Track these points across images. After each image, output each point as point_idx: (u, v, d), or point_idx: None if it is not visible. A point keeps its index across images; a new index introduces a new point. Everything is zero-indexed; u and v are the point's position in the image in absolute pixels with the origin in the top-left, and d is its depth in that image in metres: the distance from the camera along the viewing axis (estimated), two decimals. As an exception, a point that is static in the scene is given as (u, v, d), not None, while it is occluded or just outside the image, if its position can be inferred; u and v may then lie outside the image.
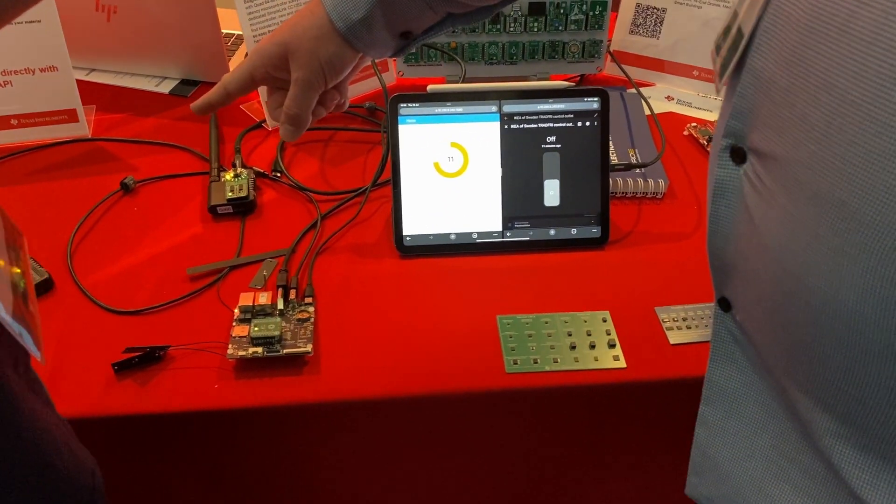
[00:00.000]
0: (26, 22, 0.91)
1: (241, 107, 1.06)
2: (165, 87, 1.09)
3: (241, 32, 0.96)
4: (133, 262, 0.84)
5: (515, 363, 0.74)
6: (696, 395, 0.69)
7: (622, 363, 0.74)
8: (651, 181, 0.92)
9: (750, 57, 0.46)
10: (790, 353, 0.47)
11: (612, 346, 0.76)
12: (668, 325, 0.78)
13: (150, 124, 1.04)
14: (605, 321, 0.78)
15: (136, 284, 0.81)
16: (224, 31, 1.13)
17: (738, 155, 0.49)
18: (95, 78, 1.11)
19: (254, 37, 0.96)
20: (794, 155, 0.43)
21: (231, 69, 1.10)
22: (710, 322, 0.78)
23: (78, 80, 1.08)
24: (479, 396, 0.72)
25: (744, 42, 0.46)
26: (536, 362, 0.74)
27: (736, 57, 0.47)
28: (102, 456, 0.67)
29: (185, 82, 1.11)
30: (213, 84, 1.11)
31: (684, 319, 0.78)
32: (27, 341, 0.45)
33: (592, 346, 0.75)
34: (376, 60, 0.99)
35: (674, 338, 0.77)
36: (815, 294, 0.42)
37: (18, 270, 0.46)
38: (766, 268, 0.46)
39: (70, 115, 0.97)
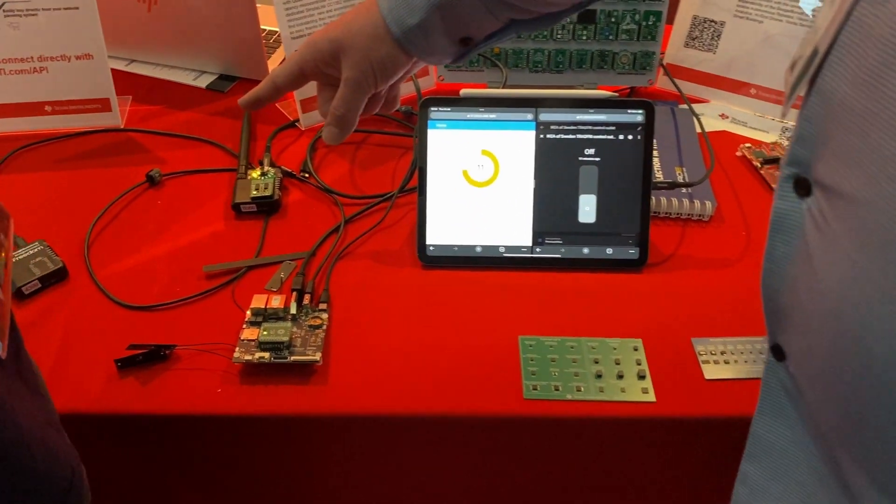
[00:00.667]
0: (64, 8, 0.90)
1: (276, 105, 1.04)
2: (203, 82, 1.08)
3: (279, 30, 0.94)
4: (150, 256, 0.82)
5: (535, 388, 0.69)
6: (731, 437, 0.63)
7: (651, 396, 0.69)
8: (697, 202, 0.86)
9: (821, 76, 0.40)
10: (844, 418, 0.41)
11: (641, 377, 0.70)
12: (704, 357, 0.72)
13: (183, 118, 1.02)
14: (636, 350, 0.73)
15: (151, 279, 0.79)
16: (265, 27, 1.12)
17: (801, 187, 0.43)
18: (134, 69, 1.10)
19: (291, 35, 0.94)
20: (864, 193, 0.37)
21: (270, 67, 1.09)
22: (751, 358, 0.72)
23: (116, 71, 1.08)
24: (492, 421, 0.68)
25: (818, 59, 0.40)
26: (557, 389, 0.69)
27: (808, 76, 0.41)
28: (98, 453, 0.65)
29: (223, 77, 1.09)
30: (251, 81, 1.11)
31: (722, 353, 0.72)
32: None
33: (620, 377, 0.70)
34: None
35: (709, 372, 0.71)
36: (876, 358, 0.37)
37: (0, 258, 0.43)
38: (823, 319, 0.41)
39: (103, 105, 0.96)
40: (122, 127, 0.98)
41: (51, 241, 0.81)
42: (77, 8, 0.91)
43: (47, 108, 0.95)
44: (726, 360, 0.72)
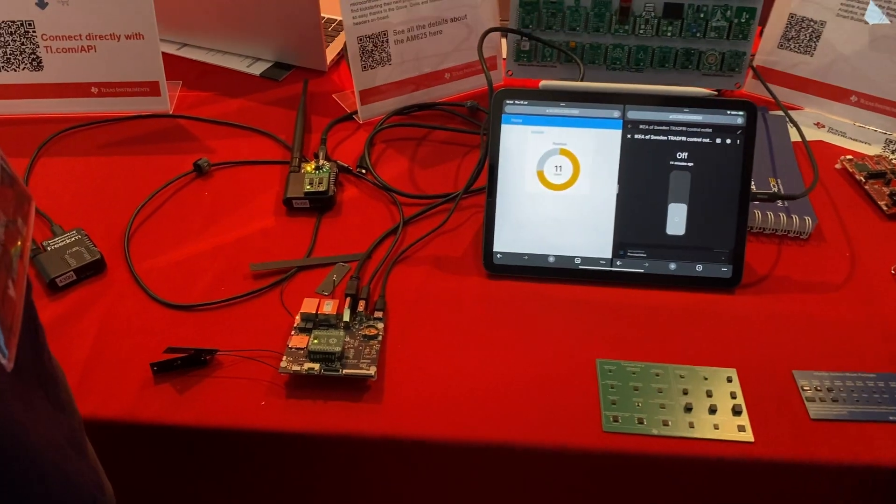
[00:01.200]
0: (116, -16, 0.85)
1: (333, 96, 0.98)
2: (257, 69, 1.02)
3: (340, 18, 0.87)
4: (194, 250, 0.76)
5: (615, 420, 0.61)
6: (841, 487, 0.55)
7: (749, 436, 0.60)
8: (796, 218, 0.77)
9: None
10: None
11: (737, 412, 0.62)
12: (808, 394, 0.63)
13: (235, 105, 0.96)
14: (730, 381, 0.64)
15: (194, 276, 0.73)
16: (323, 15, 1.05)
17: None
18: (186, 53, 1.05)
19: (354, 24, 0.87)
20: None
21: (328, 57, 1.02)
22: (863, 397, 0.63)
23: (168, 55, 1.03)
24: (566, 455, 0.60)
25: None
26: (641, 422, 0.61)
27: None
28: (126, 465, 0.59)
29: (278, 65, 1.03)
30: (307, 70, 1.05)
31: (829, 390, 0.63)
32: None
33: (713, 411, 0.61)
34: (486, 56, 0.88)
35: (815, 411, 0.62)
36: None
37: (16, 247, 0.36)
38: None
39: (152, 88, 0.91)
40: (170, 113, 0.93)
41: (89, 229, 0.75)
42: (129, -16, 0.85)
43: (94, 89, 0.90)
44: (834, 398, 0.63)
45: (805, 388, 0.64)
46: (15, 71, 0.88)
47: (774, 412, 0.62)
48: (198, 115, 0.93)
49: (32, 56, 0.88)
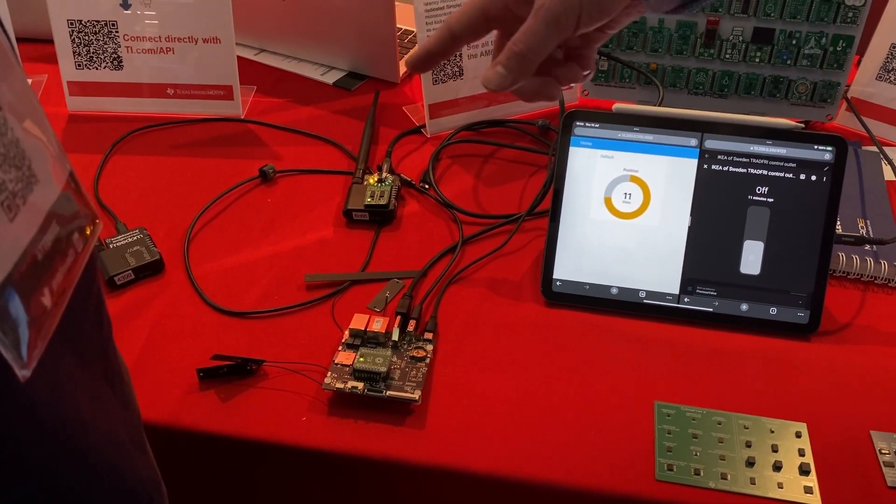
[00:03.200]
0: (197, -12, 0.86)
1: (403, 108, 0.96)
2: (330, 78, 1.02)
3: (415, 30, 0.86)
4: (251, 257, 0.75)
5: (670, 469, 0.57)
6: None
7: (816, 499, 0.55)
8: (885, 264, 0.71)
9: None
10: None
11: (804, 471, 0.57)
12: (886, 458, 0.58)
13: (306, 113, 0.96)
14: (799, 436, 0.59)
15: (249, 282, 0.72)
16: (400, 26, 1.05)
17: None
18: (263, 59, 1.06)
19: (428, 35, 0.86)
20: None
21: (401, 69, 1.01)
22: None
23: (244, 59, 1.04)
24: (614, 502, 0.56)
25: None
26: (698, 474, 0.56)
27: None
28: (163, 468, 0.58)
29: (351, 75, 1.03)
30: (379, 81, 1.04)
31: (912, 455, 0.58)
32: (7, 339, 0.33)
33: (778, 468, 0.57)
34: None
35: (893, 478, 0.57)
36: None
37: (66, 263, 0.36)
38: None
39: (226, 92, 0.92)
40: (242, 117, 0.93)
41: (153, 229, 0.76)
42: (210, -12, 0.86)
43: (169, 90, 0.92)
44: (916, 466, 0.57)
45: (883, 452, 0.58)
46: (97, 69, 0.91)
47: (846, 475, 0.57)
48: (269, 120, 0.94)
49: (114, 55, 0.90)
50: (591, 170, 0.69)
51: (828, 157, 0.66)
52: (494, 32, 0.55)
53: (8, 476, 0.34)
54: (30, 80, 0.96)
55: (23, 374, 0.30)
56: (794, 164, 0.66)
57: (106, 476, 0.40)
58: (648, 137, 0.68)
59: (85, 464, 0.39)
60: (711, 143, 0.67)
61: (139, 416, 0.50)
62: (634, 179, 0.69)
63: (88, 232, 0.38)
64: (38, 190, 0.33)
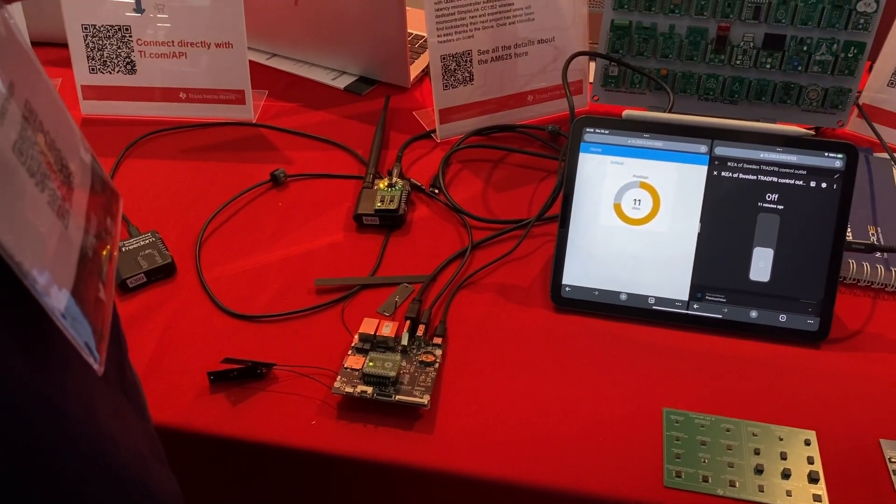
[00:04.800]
0: (210, -7, 0.87)
1: (413, 113, 0.97)
2: (342, 83, 1.02)
3: (426, 35, 0.87)
4: (262, 261, 0.76)
5: (678, 476, 0.57)
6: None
7: (825, 507, 0.55)
8: (895, 271, 0.71)
9: None
10: None
11: (813, 479, 0.57)
12: (896, 466, 0.58)
13: (317, 118, 0.97)
14: (808, 444, 0.59)
15: (260, 286, 0.73)
16: (411, 31, 1.05)
17: None
18: (275, 63, 1.06)
19: (438, 42, 0.86)
20: None
21: (412, 74, 1.02)
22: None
23: (257, 64, 1.05)
24: (622, 508, 0.56)
25: None
26: (706, 480, 0.56)
27: None
28: (173, 470, 0.59)
29: (362, 80, 1.03)
30: (390, 86, 1.04)
31: (921, 464, 0.58)
32: (81, 341, 0.34)
33: (786, 475, 0.57)
34: (569, 80, 0.86)
35: (903, 486, 0.57)
36: None
37: (106, 250, 0.36)
38: None
39: (238, 97, 0.92)
40: (253, 121, 0.94)
41: (164, 232, 0.77)
42: (223, -6, 0.87)
43: (182, 94, 0.92)
44: (926, 475, 0.57)
45: (893, 461, 0.58)
46: (110, 73, 0.91)
47: (855, 484, 0.57)
48: (280, 125, 0.94)
49: (127, 60, 0.91)
50: (601, 176, 0.69)
51: (838, 164, 0.66)
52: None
53: (46, 495, 0.34)
54: (44, 84, 0.97)
55: (99, 369, 0.30)
56: (805, 172, 0.66)
57: (132, 491, 0.40)
58: (658, 144, 0.68)
59: (114, 479, 0.38)
60: (721, 150, 0.67)
61: (152, 424, 0.50)
62: (644, 186, 0.69)
63: (117, 212, 0.38)
64: (76, 186, 0.33)
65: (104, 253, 0.35)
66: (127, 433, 0.41)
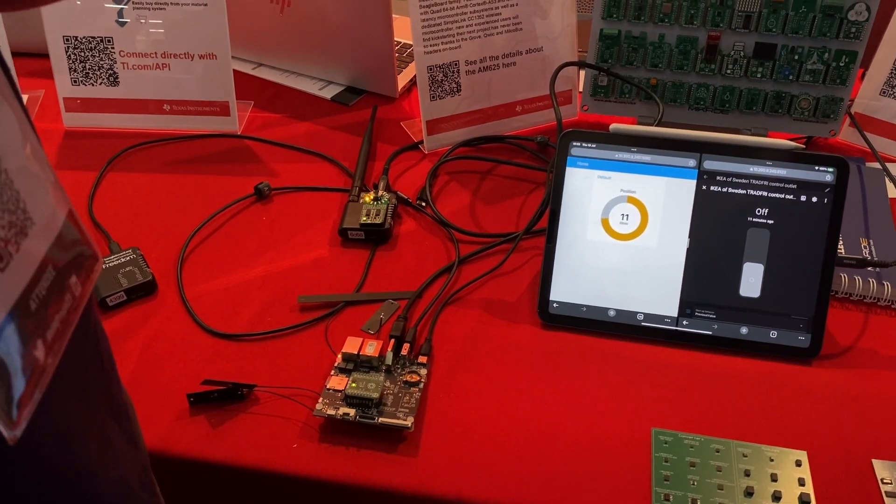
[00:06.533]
0: (192, 4, 0.86)
1: (401, 124, 0.96)
2: (328, 93, 1.01)
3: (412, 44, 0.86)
4: (245, 277, 0.74)
5: (667, 499, 0.56)
6: None
7: (816, 531, 0.54)
8: (888, 285, 0.70)
9: None
10: None
11: (804, 502, 0.56)
12: (888, 487, 0.57)
13: (303, 129, 0.95)
14: (799, 465, 0.58)
15: (241, 303, 0.72)
16: (399, 40, 1.04)
17: None
18: (261, 73, 1.05)
19: (425, 52, 0.85)
20: None
21: (399, 84, 1.00)
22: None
23: (243, 74, 1.04)
24: (610, 533, 0.55)
25: None
26: (695, 503, 0.55)
27: None
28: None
29: (349, 90, 1.02)
30: (377, 96, 1.03)
31: (915, 485, 0.57)
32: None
33: (777, 498, 0.56)
34: (556, 90, 0.85)
35: (896, 508, 0.55)
36: None
37: (62, 312, 0.34)
38: None
39: (222, 108, 0.91)
40: (238, 133, 0.93)
41: (146, 248, 0.75)
42: (206, 5, 0.86)
43: (166, 106, 0.91)
44: (919, 496, 0.56)
45: (885, 482, 0.57)
46: (92, 85, 0.90)
47: (848, 506, 0.56)
48: (266, 136, 0.93)
49: (110, 71, 0.89)
50: (588, 190, 0.68)
51: (829, 178, 0.65)
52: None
53: None
54: (26, 97, 0.96)
55: (12, 435, 0.28)
56: (795, 186, 0.65)
57: None
58: (646, 158, 0.67)
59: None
60: (710, 164, 0.66)
61: (146, 453, 0.48)
62: (632, 200, 0.67)
63: (88, 273, 0.36)
64: (34, 233, 0.31)
65: (58, 311, 0.33)
66: (113, 464, 0.40)
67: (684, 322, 0.67)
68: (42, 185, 0.32)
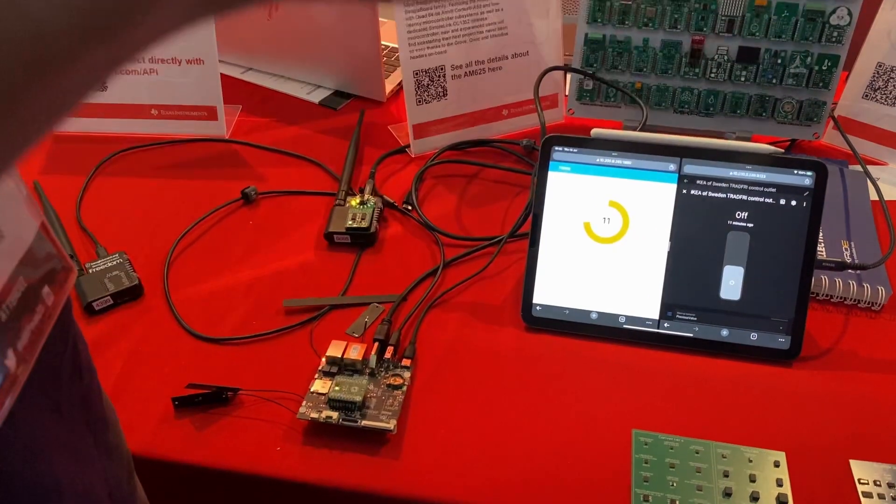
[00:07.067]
0: (179, 10, 0.86)
1: (388, 128, 0.96)
2: (316, 97, 1.02)
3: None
4: (231, 281, 0.75)
5: (645, 500, 0.56)
6: None
7: (794, 531, 0.55)
8: (868, 287, 0.71)
9: None
10: None
11: (782, 502, 0.56)
12: (865, 488, 0.57)
13: (291, 133, 0.96)
14: (777, 465, 0.59)
15: (228, 307, 0.72)
16: (386, 44, 1.05)
17: None
18: (250, 78, 1.05)
19: (411, 57, 0.85)
20: None
21: (387, 88, 1.01)
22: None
23: (231, 78, 1.04)
24: (589, 534, 0.56)
25: None
26: (674, 505, 0.56)
27: None
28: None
29: (337, 94, 1.02)
30: (365, 99, 1.04)
31: (891, 485, 0.57)
32: None
33: (755, 499, 0.56)
34: (541, 94, 0.85)
35: (873, 508, 0.56)
36: None
37: (34, 321, 0.34)
38: None
39: (210, 113, 0.91)
40: (226, 137, 0.93)
41: (133, 252, 0.76)
42: (193, 10, 0.86)
43: (153, 111, 0.91)
44: (895, 497, 0.57)
45: (862, 482, 0.58)
46: (81, 90, 0.90)
47: (825, 506, 0.56)
48: (254, 140, 0.94)
49: (98, 77, 0.90)
50: (570, 194, 0.69)
51: (808, 181, 0.65)
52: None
53: None
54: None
55: None
56: (774, 189, 0.66)
57: None
58: (627, 162, 0.68)
59: None
60: (690, 168, 0.67)
61: (129, 460, 0.49)
62: (613, 204, 0.68)
63: (62, 284, 0.37)
64: (3, 247, 0.32)
65: (30, 323, 0.33)
66: (81, 477, 0.40)
67: (665, 324, 0.67)
68: (14, 200, 0.32)
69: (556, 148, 0.69)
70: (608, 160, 0.68)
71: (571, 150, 0.68)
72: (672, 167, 0.67)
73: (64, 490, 0.37)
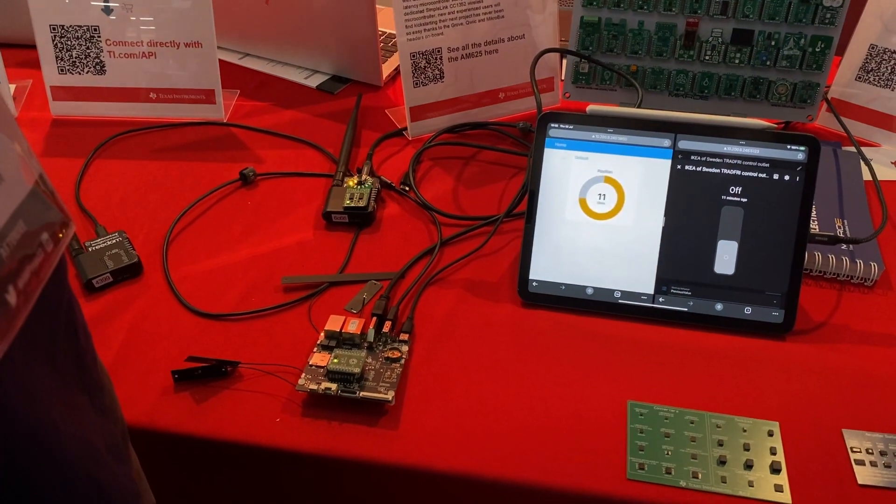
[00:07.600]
0: (178, -7, 0.87)
1: (385, 111, 0.97)
2: (314, 81, 1.02)
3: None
4: (230, 259, 0.76)
5: (641, 468, 0.57)
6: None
7: (786, 497, 0.55)
8: (860, 263, 0.71)
9: None
10: None
11: (775, 470, 0.57)
12: (857, 455, 0.58)
13: (288, 117, 0.96)
14: (771, 435, 0.59)
15: (226, 285, 0.73)
16: (383, 30, 1.05)
17: None
18: (248, 63, 1.06)
19: (408, 40, 0.86)
20: None
21: (384, 72, 1.02)
22: (923, 466, 0.57)
23: (229, 64, 1.05)
24: (583, 501, 0.56)
25: None
26: (669, 472, 0.57)
27: None
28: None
29: (335, 79, 1.03)
30: (362, 84, 1.04)
31: (883, 453, 0.58)
32: None
33: (749, 466, 0.57)
34: (537, 78, 0.86)
35: (863, 476, 0.57)
36: None
37: (33, 264, 0.35)
38: None
39: (208, 96, 0.92)
40: (224, 121, 0.94)
41: (132, 232, 0.76)
42: (191, -7, 0.87)
43: (152, 94, 0.92)
44: (887, 464, 0.58)
45: (854, 450, 0.59)
46: (80, 74, 0.91)
47: (817, 474, 0.57)
48: (252, 124, 0.94)
49: (96, 60, 0.90)
50: (566, 171, 0.69)
51: (801, 156, 0.66)
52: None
53: None
54: (14, 86, 0.97)
55: None
56: (767, 164, 0.66)
57: (80, 485, 0.40)
58: (622, 139, 0.68)
59: (59, 471, 0.38)
60: (685, 144, 0.67)
61: (123, 426, 0.49)
62: (609, 180, 0.69)
63: (60, 235, 0.38)
64: (3, 188, 0.33)
65: (30, 264, 0.34)
66: (79, 427, 0.41)
67: (660, 299, 0.68)
68: (13, 152, 0.33)
69: (552, 125, 0.69)
70: (604, 137, 0.69)
71: (567, 126, 0.69)
72: (667, 143, 0.68)
73: (62, 434, 0.38)
